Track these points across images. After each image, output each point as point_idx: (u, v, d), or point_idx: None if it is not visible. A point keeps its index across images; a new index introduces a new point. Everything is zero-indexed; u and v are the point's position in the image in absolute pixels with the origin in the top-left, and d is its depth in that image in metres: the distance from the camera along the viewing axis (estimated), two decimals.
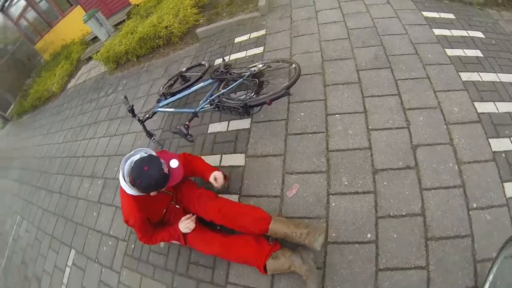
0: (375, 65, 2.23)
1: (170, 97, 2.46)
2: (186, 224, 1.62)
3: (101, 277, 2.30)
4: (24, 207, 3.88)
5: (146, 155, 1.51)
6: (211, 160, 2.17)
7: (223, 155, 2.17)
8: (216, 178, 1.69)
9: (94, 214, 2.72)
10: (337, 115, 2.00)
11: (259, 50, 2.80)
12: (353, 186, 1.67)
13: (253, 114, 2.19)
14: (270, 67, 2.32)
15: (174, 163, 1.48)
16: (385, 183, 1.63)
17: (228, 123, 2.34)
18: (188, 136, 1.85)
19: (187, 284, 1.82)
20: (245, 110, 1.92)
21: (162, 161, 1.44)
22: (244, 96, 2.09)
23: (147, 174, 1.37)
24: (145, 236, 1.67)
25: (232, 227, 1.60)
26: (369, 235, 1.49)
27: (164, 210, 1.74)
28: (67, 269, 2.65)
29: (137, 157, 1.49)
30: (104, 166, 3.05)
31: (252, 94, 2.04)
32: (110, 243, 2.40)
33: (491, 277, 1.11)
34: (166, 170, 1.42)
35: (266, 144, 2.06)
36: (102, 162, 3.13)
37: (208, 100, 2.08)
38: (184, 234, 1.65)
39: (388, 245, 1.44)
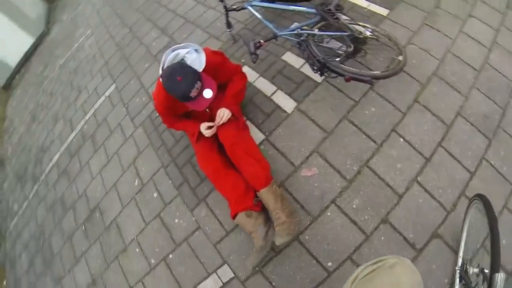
0: (477, 123, 1.65)
1: (267, 1, 2.15)
2: (205, 130, 1.59)
3: (121, 122, 2.58)
4: (98, 25, 4.03)
5: (194, 55, 1.44)
6: (266, 88, 2.03)
7: (278, 91, 2.00)
8: (221, 115, 1.56)
9: (146, 65, 2.84)
10: (401, 139, 1.66)
11: (384, 12, 2.20)
12: (357, 215, 1.50)
13: (327, 77, 1.89)
14: (377, 39, 1.84)
15: (208, 93, 1.37)
16: (383, 238, 1.42)
17: (304, 63, 2.07)
18: (253, 56, 1.65)
19: (176, 176, 1.98)
20: (320, 69, 1.63)
21: (198, 83, 1.33)
22: (331, 53, 1.75)
23: (174, 84, 1.30)
24: (167, 121, 1.75)
25: (235, 164, 1.58)
26: (329, 264, 1.42)
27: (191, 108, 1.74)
28: (102, 98, 2.97)
29: (184, 52, 1.45)
30: (177, 25, 2.97)
31: (340, 57, 1.69)
32: (144, 98, 2.58)
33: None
34: (194, 93, 1.33)
35: (321, 110, 1.82)
36: (176, 21, 3.04)
37: (296, 31, 1.78)
38: (199, 136, 1.63)
39: None
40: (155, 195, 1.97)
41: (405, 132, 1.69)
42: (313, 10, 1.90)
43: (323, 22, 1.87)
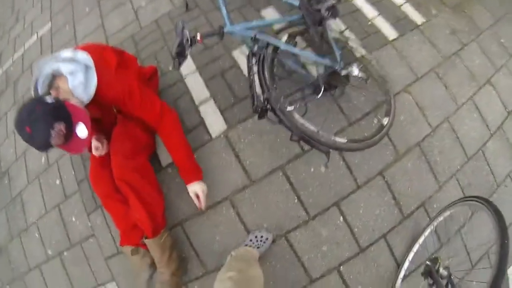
0: (438, 224, 1.29)
1: None
2: (95, 144, 1.24)
3: None
4: None
5: (80, 77, 0.99)
6: (197, 90, 1.47)
7: (210, 101, 1.45)
8: (198, 196, 1.18)
9: (87, 9, 2.14)
10: (340, 218, 1.25)
11: (391, 34, 1.59)
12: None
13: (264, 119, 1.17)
14: (366, 80, 1.28)
15: (82, 131, 0.96)
16: None
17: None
18: (176, 60, 1.02)
19: (79, 168, 1.58)
20: (260, 108, 1.06)
21: (57, 126, 0.90)
22: (289, 85, 1.22)
23: (25, 136, 0.91)
24: None
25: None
26: None
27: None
28: (34, 37, 2.32)
29: (65, 70, 0.99)
30: None
31: (298, 98, 1.14)
32: None
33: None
34: (58, 141, 0.93)
35: (254, 148, 1.33)
36: None
37: (252, 34, 1.14)
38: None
39: None
40: (57, 182, 1.69)
41: (349, 210, 1.28)
42: (297, 3, 1.27)
43: (300, 28, 1.26)
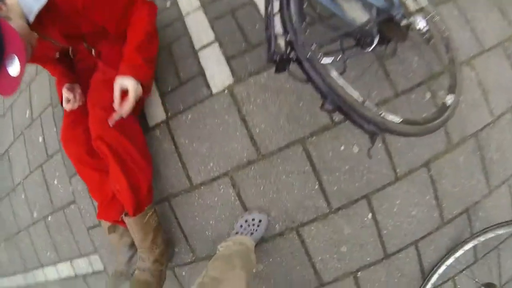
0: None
1: None
2: (66, 95, 1.01)
3: None
4: None
5: None
6: (199, 32, 1.11)
7: (214, 45, 1.08)
8: (128, 90, 0.82)
9: None
10: (369, 215, 0.98)
11: None
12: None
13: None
14: (429, 40, 0.98)
15: (13, 69, 0.65)
16: None
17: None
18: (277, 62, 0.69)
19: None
20: (281, 61, 0.69)
21: None
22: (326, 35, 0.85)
23: None
24: None
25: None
26: None
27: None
28: None
29: None
30: None
31: (342, 52, 0.78)
32: None
33: None
34: None
35: (267, 111, 0.99)
36: None
37: None
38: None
39: None
40: (40, 139, 1.49)
41: (381, 206, 0.99)
42: None
43: None
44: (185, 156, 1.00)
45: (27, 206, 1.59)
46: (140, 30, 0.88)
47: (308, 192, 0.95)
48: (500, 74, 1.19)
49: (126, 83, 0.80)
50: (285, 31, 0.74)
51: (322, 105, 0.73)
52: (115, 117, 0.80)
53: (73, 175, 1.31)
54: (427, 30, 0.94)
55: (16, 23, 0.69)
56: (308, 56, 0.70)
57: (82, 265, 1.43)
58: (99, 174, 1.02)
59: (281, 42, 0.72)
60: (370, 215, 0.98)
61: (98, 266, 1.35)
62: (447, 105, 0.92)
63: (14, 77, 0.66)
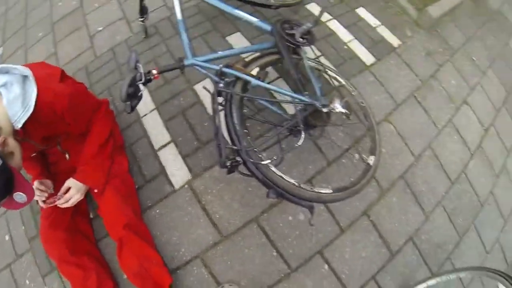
0: (427, 253, 1.20)
1: None
2: (37, 186, 1.01)
3: None
4: None
5: (17, 89, 0.77)
6: (156, 134, 1.23)
7: (171, 145, 1.22)
8: (69, 190, 1.00)
9: (40, 34, 1.83)
10: (325, 266, 1.07)
11: (368, 59, 1.46)
12: None
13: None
14: (349, 116, 1.06)
15: (20, 197, 0.76)
16: None
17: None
18: (129, 104, 0.83)
19: (29, 222, 1.30)
20: (229, 162, 0.84)
21: None
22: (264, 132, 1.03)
23: None
24: None
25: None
26: None
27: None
28: None
29: None
30: None
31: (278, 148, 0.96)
32: None
33: None
34: None
35: (224, 200, 1.12)
36: None
37: (218, 67, 0.97)
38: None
39: None
40: (6, 237, 1.41)
41: (334, 257, 1.10)
42: (268, 28, 1.11)
43: (275, 57, 1.09)
44: (159, 246, 1.08)
45: None
46: (94, 142, 1.01)
47: (268, 259, 1.05)
48: (414, 120, 1.38)
49: (76, 186, 0.98)
50: (232, 141, 0.89)
51: (268, 194, 0.86)
52: (50, 202, 0.97)
53: (47, 274, 1.25)
54: (346, 110, 1.06)
55: (12, 144, 0.77)
56: (252, 161, 0.85)
57: None
58: (82, 270, 1.04)
59: (229, 151, 0.86)
60: (326, 266, 1.09)
61: None
62: (370, 165, 1.07)
63: (21, 203, 0.76)
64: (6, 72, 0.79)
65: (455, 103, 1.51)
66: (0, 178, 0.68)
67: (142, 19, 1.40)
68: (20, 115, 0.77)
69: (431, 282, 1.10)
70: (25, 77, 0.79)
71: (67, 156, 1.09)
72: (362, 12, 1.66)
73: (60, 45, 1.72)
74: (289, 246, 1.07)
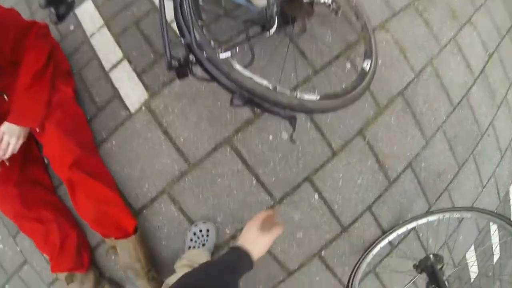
0: (426, 182, 1.11)
1: None
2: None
3: None
4: None
5: None
6: (107, 52, 1.02)
7: (124, 63, 1.00)
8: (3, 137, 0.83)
9: None
10: (315, 195, 0.94)
11: None
12: None
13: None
14: (336, 11, 0.93)
15: None
16: None
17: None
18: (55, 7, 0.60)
19: None
20: (182, 63, 0.63)
21: None
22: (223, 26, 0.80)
23: None
24: None
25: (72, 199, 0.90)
26: None
27: None
28: None
29: None
30: None
31: (240, 40, 0.72)
32: None
33: None
34: None
35: (188, 119, 0.92)
36: None
37: None
38: None
39: None
40: None
41: (325, 185, 0.96)
42: None
43: None
44: (120, 184, 0.91)
45: None
46: (27, 72, 0.83)
47: (247, 189, 0.89)
48: (414, 32, 1.18)
49: (10, 130, 0.80)
50: (181, 34, 0.69)
51: (231, 101, 0.67)
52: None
53: (16, 234, 1.17)
54: (332, 1, 0.90)
55: None
56: (206, 56, 0.65)
57: None
58: (41, 224, 0.94)
59: (178, 47, 0.66)
60: (316, 196, 0.94)
61: None
62: (366, 70, 0.88)
63: None
64: None
65: (458, 21, 1.31)
66: None
67: None
68: None
69: (432, 218, 0.99)
70: None
71: (5, 97, 0.89)
72: None
73: None
74: (271, 172, 0.89)
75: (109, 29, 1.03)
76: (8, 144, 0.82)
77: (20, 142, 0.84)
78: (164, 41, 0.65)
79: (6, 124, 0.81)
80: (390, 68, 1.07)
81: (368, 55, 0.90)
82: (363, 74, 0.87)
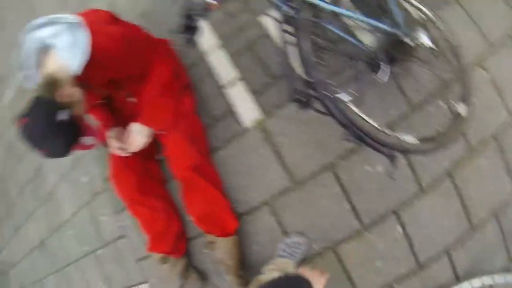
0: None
1: None
2: (116, 148, 1.02)
3: None
4: None
5: (66, 37, 0.75)
6: (222, 70, 1.15)
7: (239, 83, 1.13)
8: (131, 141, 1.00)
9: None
10: (399, 229, 0.98)
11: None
12: None
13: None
14: (435, 52, 0.93)
15: (87, 140, 0.80)
16: None
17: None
18: (187, 35, 0.76)
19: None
20: (304, 97, 0.75)
21: (61, 116, 0.70)
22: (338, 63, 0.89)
23: (23, 126, 0.72)
24: None
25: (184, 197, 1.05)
26: None
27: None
28: None
29: (47, 34, 0.76)
30: None
31: (356, 80, 0.82)
32: None
33: None
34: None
35: (297, 141, 1.03)
36: None
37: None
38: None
39: None
40: (84, 179, 1.50)
41: (410, 219, 1.00)
42: None
43: None
44: (227, 190, 1.04)
45: (77, 241, 1.60)
46: (155, 82, 0.96)
47: (341, 213, 0.98)
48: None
49: (139, 131, 0.96)
50: (306, 71, 0.80)
51: (344, 137, 0.77)
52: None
53: (120, 211, 1.32)
54: (433, 44, 0.93)
55: (74, 92, 0.77)
56: (328, 96, 0.75)
57: None
58: (150, 210, 1.08)
59: (301, 83, 0.78)
60: (400, 229, 0.99)
61: None
62: (462, 114, 0.92)
63: (89, 145, 0.79)
64: (54, 23, 0.76)
65: None
66: (69, 128, 0.71)
67: None
68: (75, 61, 0.75)
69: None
70: (73, 25, 0.77)
71: (133, 100, 1.07)
72: None
73: None
74: (364, 200, 0.98)
75: (224, 49, 1.16)
76: (134, 141, 0.97)
77: (145, 141, 0.97)
78: (289, 77, 0.78)
79: (137, 125, 0.96)
80: (485, 109, 1.05)
81: (464, 98, 0.94)
82: (457, 118, 0.92)
